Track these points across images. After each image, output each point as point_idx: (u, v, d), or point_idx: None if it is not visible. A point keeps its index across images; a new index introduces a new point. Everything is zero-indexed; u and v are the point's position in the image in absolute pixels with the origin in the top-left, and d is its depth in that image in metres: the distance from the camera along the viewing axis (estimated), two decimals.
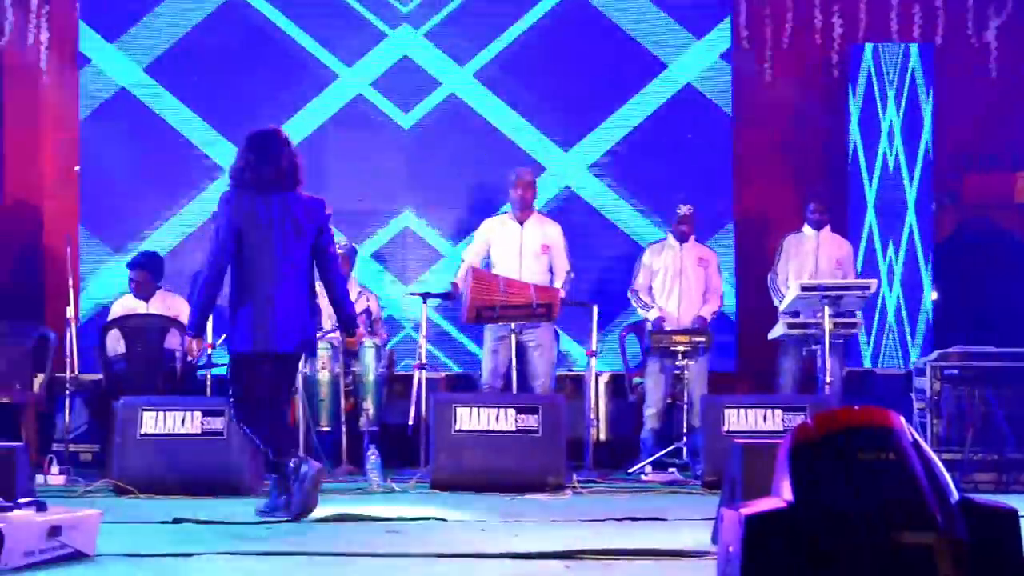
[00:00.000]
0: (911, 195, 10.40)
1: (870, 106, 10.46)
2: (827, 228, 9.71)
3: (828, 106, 10.81)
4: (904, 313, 10.33)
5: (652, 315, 9.52)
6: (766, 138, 10.83)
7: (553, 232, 9.51)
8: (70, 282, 8.92)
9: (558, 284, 9.32)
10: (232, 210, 6.51)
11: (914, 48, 10.50)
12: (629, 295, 9.71)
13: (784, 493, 3.44)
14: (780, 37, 10.87)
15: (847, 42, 10.74)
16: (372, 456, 8.03)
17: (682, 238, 9.67)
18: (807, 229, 9.72)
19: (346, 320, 6.88)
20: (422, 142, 10.66)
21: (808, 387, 9.54)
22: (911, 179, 10.40)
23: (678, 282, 9.61)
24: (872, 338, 10.26)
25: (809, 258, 9.63)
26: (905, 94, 10.44)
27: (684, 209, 9.65)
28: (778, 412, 8.19)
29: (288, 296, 6.53)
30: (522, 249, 9.35)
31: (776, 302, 9.56)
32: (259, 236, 6.49)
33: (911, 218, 10.39)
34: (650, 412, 9.45)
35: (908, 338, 10.31)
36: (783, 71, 10.88)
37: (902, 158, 10.42)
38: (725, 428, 8.11)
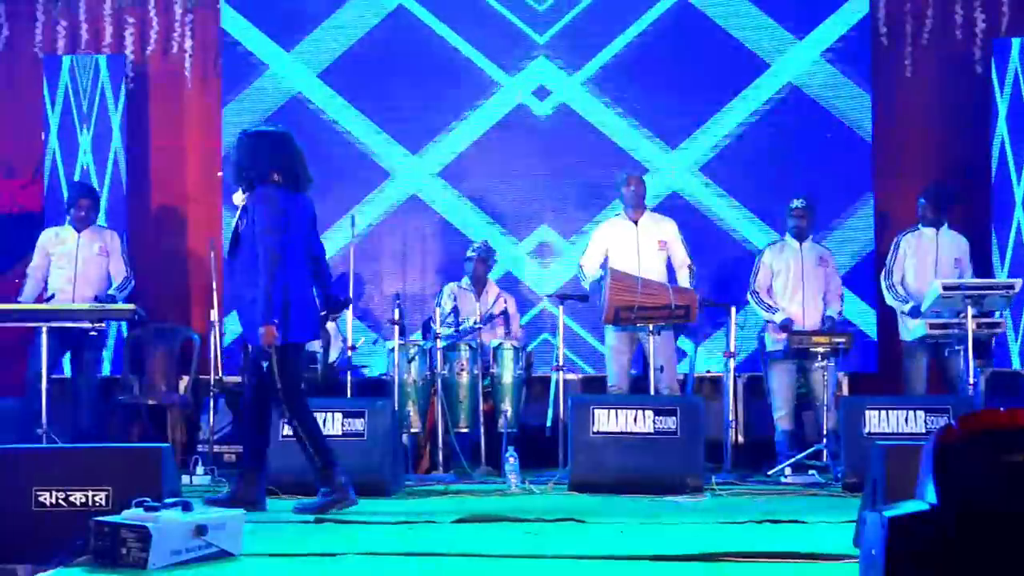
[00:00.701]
0: None
1: (1016, 102, 10.24)
2: (945, 226, 9.50)
3: (971, 102, 10.61)
4: None
5: (779, 317, 9.37)
6: (906, 135, 10.68)
7: (668, 227, 9.46)
8: (214, 285, 9.08)
9: (680, 279, 9.28)
10: (286, 206, 6.73)
11: None
12: (749, 296, 9.56)
13: (928, 495, 3.40)
14: (920, 33, 10.71)
15: (990, 37, 10.55)
16: (511, 458, 8.07)
17: (800, 235, 9.54)
18: (924, 228, 9.52)
19: (333, 299, 7.22)
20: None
21: (938, 389, 9.36)
22: None
23: (800, 282, 9.48)
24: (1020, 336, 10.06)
25: (928, 257, 9.41)
26: None
27: (797, 203, 9.51)
28: (920, 413, 8.06)
29: (310, 290, 6.93)
30: (639, 248, 9.30)
31: (891, 301, 9.40)
32: (297, 233, 6.80)
33: None
34: (781, 414, 9.33)
35: None
36: (924, 67, 10.72)
37: None
38: (866, 430, 8.01)
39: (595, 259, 9.36)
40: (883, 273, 9.51)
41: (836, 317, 9.44)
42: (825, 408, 8.86)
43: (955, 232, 9.51)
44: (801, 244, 9.53)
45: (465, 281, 9.80)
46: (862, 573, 3.72)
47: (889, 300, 9.45)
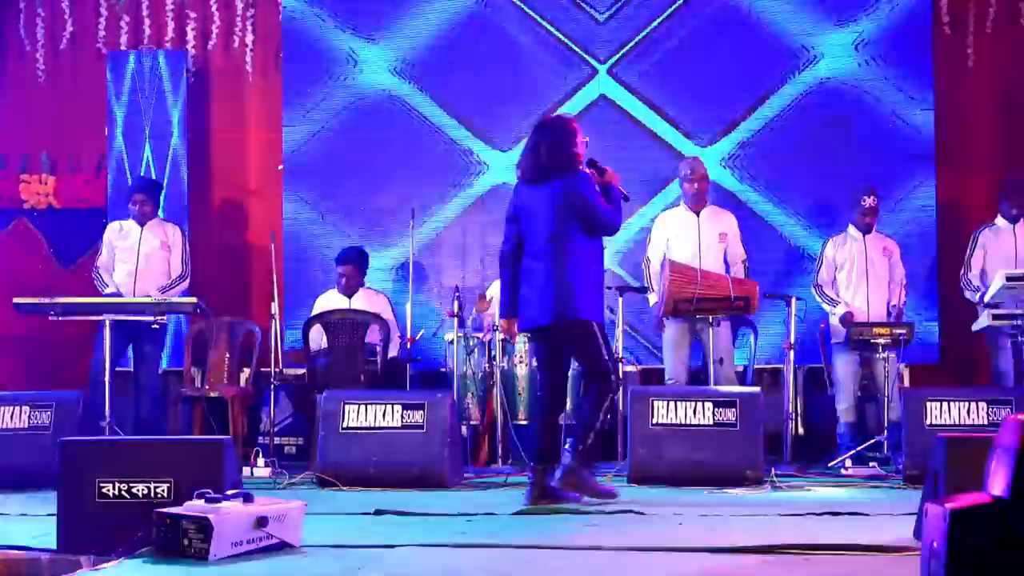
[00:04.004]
0: None
1: None
2: (1022, 220, 9.44)
3: None
4: None
5: (839, 311, 9.34)
6: (969, 125, 10.56)
7: (729, 221, 9.48)
8: (274, 278, 9.13)
9: (734, 273, 9.25)
10: None
11: None
12: (813, 290, 9.54)
13: (995, 488, 3.36)
14: (984, 21, 10.59)
15: None
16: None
17: (866, 230, 9.49)
18: (1001, 222, 9.46)
19: None
20: None
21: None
22: None
23: (865, 274, 9.43)
24: None
25: (1008, 252, 9.34)
26: None
27: (869, 201, 9.44)
28: (982, 405, 7.99)
29: None
30: (700, 239, 9.28)
31: (969, 296, 9.35)
32: None
33: None
34: (844, 406, 9.28)
35: None
36: (986, 56, 10.60)
37: None
38: (928, 422, 7.95)
39: (659, 251, 9.34)
40: (962, 268, 9.46)
41: (901, 307, 9.38)
42: (887, 400, 8.81)
43: None
44: (865, 236, 9.46)
45: None
46: (923, 565, 3.69)
47: (967, 295, 9.40)
